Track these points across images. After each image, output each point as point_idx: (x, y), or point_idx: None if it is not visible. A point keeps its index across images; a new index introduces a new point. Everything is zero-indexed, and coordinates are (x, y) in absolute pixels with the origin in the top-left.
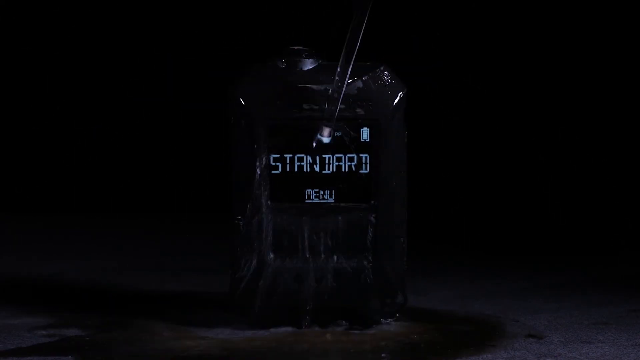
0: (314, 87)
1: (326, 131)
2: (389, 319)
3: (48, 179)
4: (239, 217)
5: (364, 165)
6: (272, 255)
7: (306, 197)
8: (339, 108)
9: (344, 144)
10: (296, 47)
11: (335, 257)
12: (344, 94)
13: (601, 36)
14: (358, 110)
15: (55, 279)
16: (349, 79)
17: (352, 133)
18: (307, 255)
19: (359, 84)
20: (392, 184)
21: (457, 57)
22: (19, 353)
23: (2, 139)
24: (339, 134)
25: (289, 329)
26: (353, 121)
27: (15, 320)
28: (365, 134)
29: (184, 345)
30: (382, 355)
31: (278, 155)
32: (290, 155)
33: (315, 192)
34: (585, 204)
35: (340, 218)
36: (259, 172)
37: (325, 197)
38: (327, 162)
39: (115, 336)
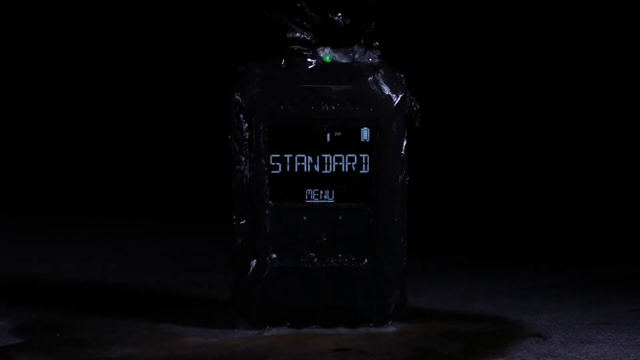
0: (314, 87)
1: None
2: (389, 319)
3: (48, 179)
4: (239, 218)
5: (364, 165)
6: (272, 256)
7: (306, 197)
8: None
9: (344, 143)
10: (296, 47)
11: (335, 257)
12: (348, 93)
13: (601, 36)
14: (358, 110)
15: (55, 279)
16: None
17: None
18: (307, 255)
19: (359, 83)
20: (392, 184)
21: (457, 57)
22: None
23: (2, 139)
24: (339, 134)
25: (290, 329)
26: (353, 121)
27: (13, 320)
28: (365, 134)
29: (184, 345)
30: (382, 355)
31: (278, 155)
32: (290, 155)
33: (315, 192)
34: (585, 204)
35: (340, 218)
36: (259, 172)
37: (325, 197)
38: (327, 162)
39: (115, 337)
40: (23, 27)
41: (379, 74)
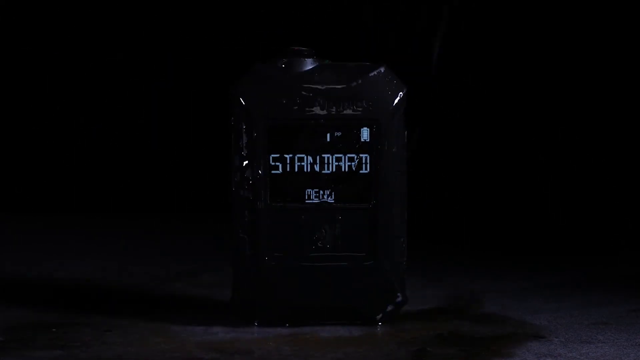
0: (314, 87)
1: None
2: (388, 319)
3: (48, 179)
4: (239, 217)
5: (364, 165)
6: (272, 255)
7: (306, 197)
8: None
9: (344, 143)
10: (296, 47)
11: (334, 257)
12: (348, 93)
13: (601, 36)
14: (358, 110)
15: (55, 279)
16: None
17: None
18: (307, 255)
19: (359, 83)
20: (392, 184)
21: (457, 57)
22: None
23: (2, 139)
24: (339, 134)
25: (289, 328)
26: (353, 121)
27: (12, 319)
28: (365, 134)
29: (184, 345)
30: (381, 356)
31: (278, 155)
32: (290, 155)
33: (315, 192)
34: (585, 204)
35: (340, 218)
36: (259, 172)
37: (325, 197)
38: (327, 162)
39: (114, 338)
40: (23, 27)
41: (379, 74)
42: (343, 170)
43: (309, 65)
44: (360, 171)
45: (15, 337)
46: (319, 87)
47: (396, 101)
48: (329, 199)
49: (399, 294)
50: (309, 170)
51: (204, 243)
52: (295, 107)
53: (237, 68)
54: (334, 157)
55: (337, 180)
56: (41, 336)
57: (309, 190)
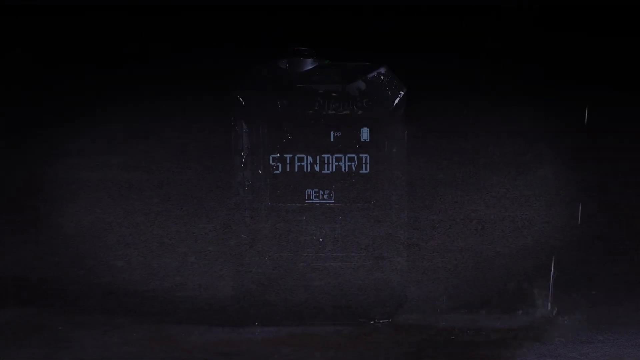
0: (314, 87)
1: None
2: (388, 319)
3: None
4: (239, 218)
5: (364, 165)
6: (272, 255)
7: (306, 197)
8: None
9: (344, 143)
10: (296, 47)
11: (334, 257)
12: (348, 93)
13: (602, 36)
14: (358, 110)
15: (55, 279)
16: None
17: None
18: (307, 255)
19: (360, 84)
20: (392, 184)
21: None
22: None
23: (2, 139)
24: (339, 134)
25: (289, 329)
26: (353, 121)
27: (12, 319)
28: (365, 134)
29: (183, 346)
30: (380, 355)
31: (278, 155)
32: (290, 155)
33: (315, 192)
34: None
35: (340, 218)
36: (259, 172)
37: (325, 197)
38: (327, 162)
39: (114, 338)
40: (23, 27)
41: (379, 74)
42: (343, 170)
43: (309, 65)
44: (360, 171)
45: (15, 336)
46: (319, 87)
47: (396, 101)
48: (329, 199)
49: (398, 294)
50: (308, 170)
51: (204, 243)
52: (295, 108)
53: (237, 68)
54: (334, 157)
55: (337, 180)
56: (40, 336)
57: (309, 190)
